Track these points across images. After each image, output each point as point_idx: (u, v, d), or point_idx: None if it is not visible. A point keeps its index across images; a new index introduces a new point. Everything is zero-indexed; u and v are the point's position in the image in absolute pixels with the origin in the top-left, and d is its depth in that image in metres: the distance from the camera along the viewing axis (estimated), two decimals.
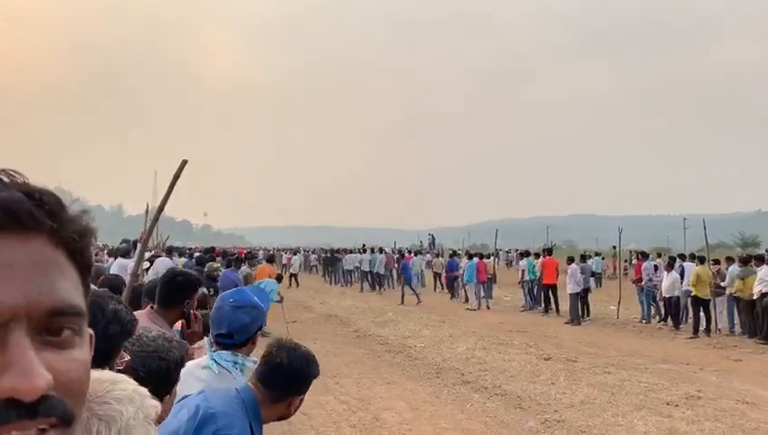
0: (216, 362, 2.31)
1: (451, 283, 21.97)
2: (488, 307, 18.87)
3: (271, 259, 17.45)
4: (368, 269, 25.26)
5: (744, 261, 13.61)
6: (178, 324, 3.01)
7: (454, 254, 24.81)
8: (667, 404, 7.26)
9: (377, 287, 24.83)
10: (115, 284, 4.36)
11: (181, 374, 2.33)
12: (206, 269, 10.14)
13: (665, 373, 9.19)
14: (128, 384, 0.96)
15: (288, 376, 2.04)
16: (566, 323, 15.19)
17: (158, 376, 1.59)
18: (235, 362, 2.32)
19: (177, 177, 4.25)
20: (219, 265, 10.92)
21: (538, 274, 17.79)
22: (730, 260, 14.65)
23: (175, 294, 2.87)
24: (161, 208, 4.32)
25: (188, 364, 2.46)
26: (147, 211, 6.98)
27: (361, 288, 25.37)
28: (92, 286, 0.70)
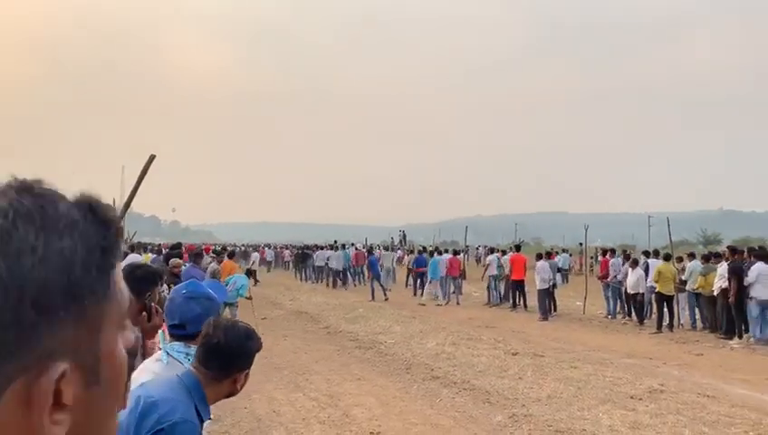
0: (167, 353, 2.29)
1: (419, 278, 21.97)
2: (458, 303, 19.03)
3: (232, 255, 17.30)
4: (334, 266, 25.43)
5: (706, 258, 13.98)
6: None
7: (423, 250, 24.93)
8: (632, 398, 7.41)
9: (344, 283, 25.02)
10: None
11: (137, 369, 2.31)
12: (168, 265, 10.04)
13: (629, 368, 9.37)
14: None
15: (227, 354, 2.03)
16: (539, 319, 15.32)
17: None
18: (188, 354, 2.30)
19: (144, 172, 4.21)
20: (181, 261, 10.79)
21: (507, 270, 17.99)
22: (691, 256, 15.01)
23: (135, 287, 2.83)
24: (128, 204, 4.27)
25: (146, 361, 2.44)
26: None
27: (330, 285, 25.33)
28: None
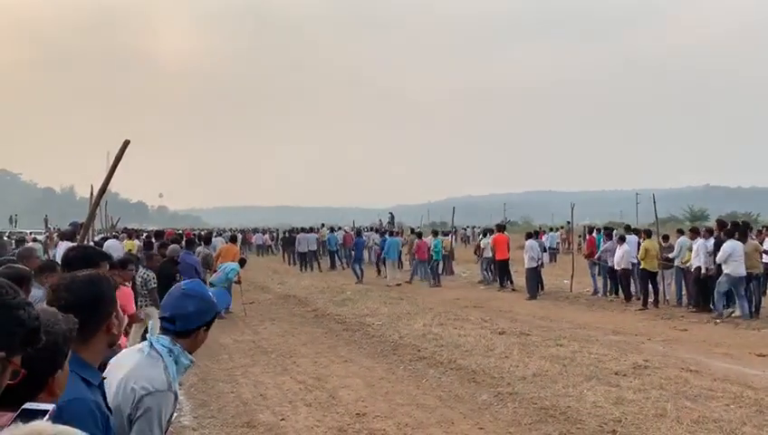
0: (151, 344, 2.25)
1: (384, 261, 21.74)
2: (409, 282, 19.25)
3: (234, 239, 17.31)
4: (303, 249, 25.61)
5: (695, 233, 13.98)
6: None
7: (391, 233, 25.24)
8: (616, 374, 7.47)
9: (310, 265, 25.30)
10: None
11: (113, 359, 2.26)
12: (167, 252, 10.04)
13: (614, 344, 9.46)
14: None
15: (81, 309, 1.83)
16: (526, 298, 15.37)
17: (47, 350, 1.53)
18: (171, 351, 2.24)
19: (119, 158, 4.15)
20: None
21: (491, 251, 18.08)
22: (680, 232, 15.07)
23: (71, 270, 2.74)
24: (103, 190, 4.21)
25: (124, 350, 2.40)
26: (91, 193, 6.81)
27: (307, 268, 25.33)
28: None
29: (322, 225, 32.42)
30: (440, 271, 19.79)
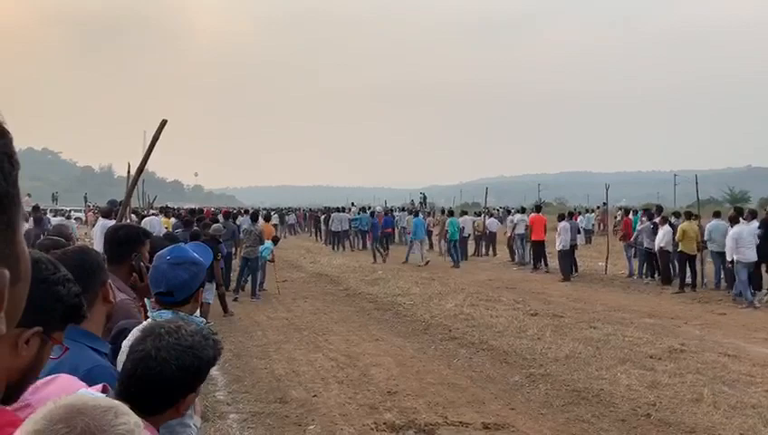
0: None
1: (385, 239, 21.71)
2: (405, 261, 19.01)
3: (268, 218, 17.52)
4: (335, 228, 25.63)
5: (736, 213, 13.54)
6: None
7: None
8: (651, 358, 7.38)
9: (339, 246, 25.32)
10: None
11: (123, 343, 2.24)
12: (210, 231, 10.19)
13: (650, 328, 9.32)
14: (130, 417, 0.98)
15: (75, 278, 1.69)
16: (560, 280, 15.20)
17: (189, 372, 1.55)
18: None
19: (156, 137, 4.21)
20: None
21: (524, 229, 17.94)
22: (717, 215, 14.63)
23: (120, 248, 2.76)
24: (141, 169, 4.28)
25: (135, 329, 2.41)
26: (128, 172, 6.92)
27: (336, 246, 25.40)
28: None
29: (353, 204, 32.53)
30: (472, 252, 19.71)
